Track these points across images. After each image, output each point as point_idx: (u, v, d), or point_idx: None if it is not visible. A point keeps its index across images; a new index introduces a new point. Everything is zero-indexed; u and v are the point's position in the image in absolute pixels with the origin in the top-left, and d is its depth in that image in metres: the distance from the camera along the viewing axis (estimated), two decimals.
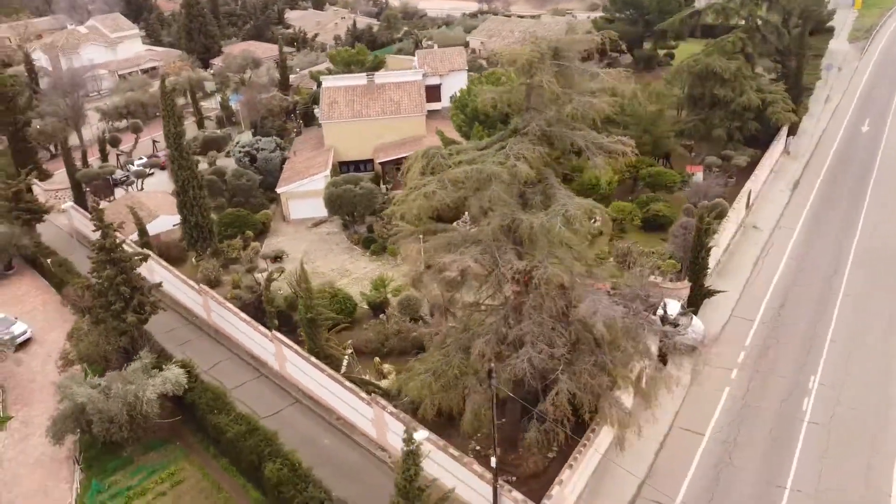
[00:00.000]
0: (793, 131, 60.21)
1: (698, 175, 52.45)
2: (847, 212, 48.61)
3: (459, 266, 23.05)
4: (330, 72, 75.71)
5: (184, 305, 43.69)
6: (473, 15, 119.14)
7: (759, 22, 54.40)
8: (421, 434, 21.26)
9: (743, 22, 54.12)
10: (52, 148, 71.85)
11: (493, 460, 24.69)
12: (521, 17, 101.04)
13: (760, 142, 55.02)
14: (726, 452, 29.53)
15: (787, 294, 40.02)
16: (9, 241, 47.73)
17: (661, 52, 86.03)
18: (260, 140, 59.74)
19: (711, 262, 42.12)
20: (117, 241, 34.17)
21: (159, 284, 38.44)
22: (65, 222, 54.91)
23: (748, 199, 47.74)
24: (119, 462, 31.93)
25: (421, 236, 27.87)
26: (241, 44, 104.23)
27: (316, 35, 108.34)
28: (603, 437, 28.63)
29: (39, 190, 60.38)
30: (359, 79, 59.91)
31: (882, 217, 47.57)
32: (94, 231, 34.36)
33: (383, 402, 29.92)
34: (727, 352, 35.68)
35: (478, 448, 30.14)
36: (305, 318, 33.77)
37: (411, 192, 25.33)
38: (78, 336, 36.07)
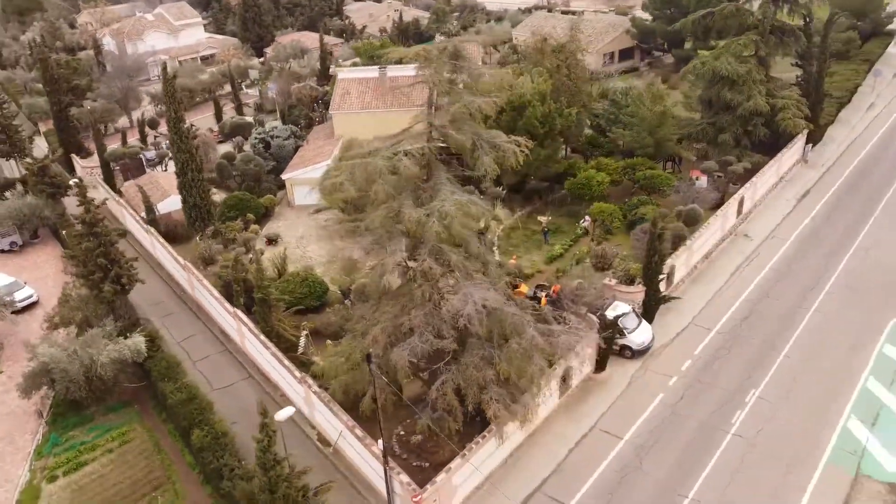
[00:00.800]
0: (816, 139, 57.74)
1: (702, 180, 51.12)
2: (848, 228, 45.96)
3: (348, 254, 24.14)
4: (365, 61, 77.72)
5: (176, 281, 46.54)
6: (527, 10, 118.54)
7: (775, 24, 52.37)
8: (285, 411, 22.74)
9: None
10: (102, 128, 76.83)
11: (380, 443, 25.76)
12: (565, 13, 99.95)
13: (777, 148, 52.93)
14: (638, 457, 29.43)
15: (755, 306, 38.85)
16: (33, 212, 52.08)
17: (706, 53, 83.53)
18: (276, 127, 62.24)
19: (684, 269, 41.58)
20: (98, 216, 37.09)
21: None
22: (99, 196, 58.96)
23: (739, 206, 46.36)
24: (80, 419, 34.74)
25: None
26: (293, 34, 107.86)
27: (364, 27, 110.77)
28: (513, 432, 29.08)
29: (78, 167, 65.27)
30: (373, 71, 61.44)
31: (882, 237, 44.59)
32: (77, 206, 37.32)
33: (310, 381, 31.39)
34: (674, 359, 35.16)
35: (402, 433, 31.26)
36: (257, 298, 35.62)
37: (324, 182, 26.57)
38: (63, 302, 39.30)
